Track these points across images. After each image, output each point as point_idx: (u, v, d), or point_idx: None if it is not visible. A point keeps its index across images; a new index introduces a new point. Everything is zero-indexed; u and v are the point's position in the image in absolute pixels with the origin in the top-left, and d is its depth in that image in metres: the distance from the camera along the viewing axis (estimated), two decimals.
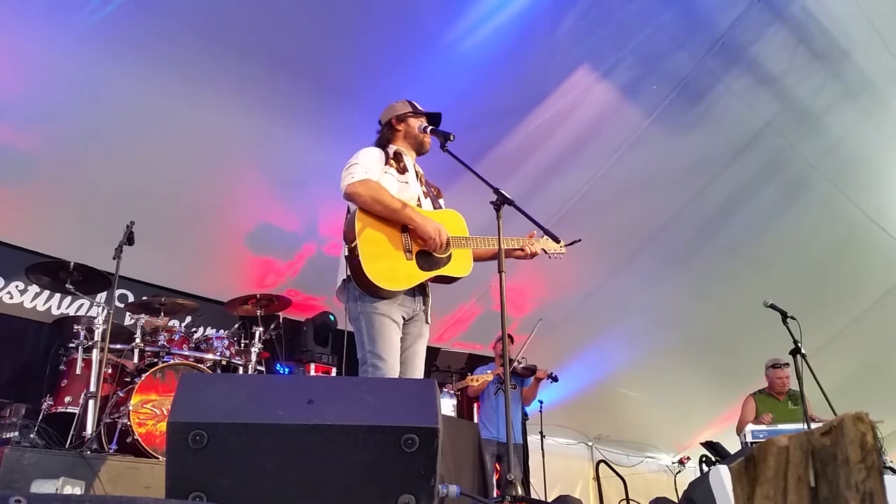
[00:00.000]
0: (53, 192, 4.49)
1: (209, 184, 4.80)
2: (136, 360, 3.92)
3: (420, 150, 2.86)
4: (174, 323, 4.26)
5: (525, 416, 6.01)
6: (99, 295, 4.14)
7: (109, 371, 3.80)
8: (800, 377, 4.00)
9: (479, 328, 6.66)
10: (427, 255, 2.62)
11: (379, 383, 1.83)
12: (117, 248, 3.58)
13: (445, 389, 6.11)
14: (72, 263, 3.78)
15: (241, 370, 4.28)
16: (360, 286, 2.52)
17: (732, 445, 4.85)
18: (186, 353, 4.02)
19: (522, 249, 2.81)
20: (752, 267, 6.56)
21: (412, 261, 2.58)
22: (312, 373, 5.45)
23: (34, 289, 4.67)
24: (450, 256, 2.67)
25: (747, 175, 5.86)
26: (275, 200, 5.17)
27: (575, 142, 5.29)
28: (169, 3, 3.84)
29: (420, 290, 2.67)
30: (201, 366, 3.96)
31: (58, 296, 4.77)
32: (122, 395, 3.67)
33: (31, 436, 3.37)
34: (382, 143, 2.81)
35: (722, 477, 2.46)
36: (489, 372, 5.50)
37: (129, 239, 3.59)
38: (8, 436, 3.47)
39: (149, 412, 3.58)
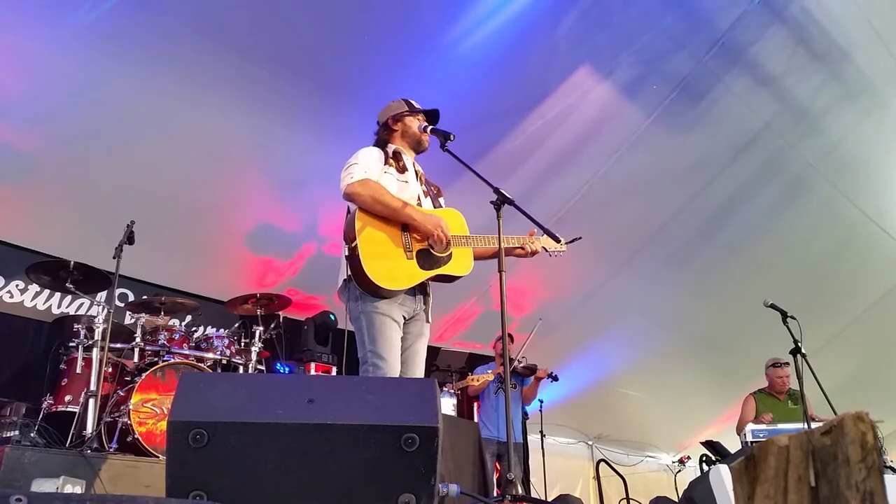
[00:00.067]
0: (53, 192, 4.50)
1: (209, 184, 4.80)
2: (136, 359, 3.93)
3: (418, 149, 2.86)
4: (174, 322, 4.26)
5: (525, 415, 6.01)
6: (99, 294, 4.14)
7: (110, 370, 3.81)
8: (800, 377, 4.00)
9: (479, 328, 6.67)
10: (427, 255, 2.62)
11: (379, 382, 1.83)
12: (117, 248, 3.58)
13: (445, 389, 6.11)
14: (72, 263, 3.78)
15: (241, 369, 4.28)
16: (361, 286, 2.52)
17: (732, 445, 4.85)
18: (187, 352, 4.02)
19: (523, 248, 2.80)
20: (752, 267, 6.56)
21: (412, 260, 2.58)
22: (313, 372, 5.45)
23: (34, 288, 4.67)
24: (450, 255, 2.67)
25: (747, 175, 5.87)
26: (275, 200, 5.18)
27: (575, 142, 5.29)
28: (169, 2, 3.84)
29: (420, 290, 2.67)
30: (201, 365, 3.96)
31: (58, 295, 4.78)
32: (122, 394, 3.67)
33: (32, 435, 3.37)
34: (381, 143, 2.81)
35: (722, 476, 2.46)
36: (489, 372, 5.50)
37: (130, 238, 3.59)
38: (8, 435, 3.47)
39: (149, 411, 3.58)
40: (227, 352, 4.18)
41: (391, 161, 2.72)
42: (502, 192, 2.49)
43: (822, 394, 3.98)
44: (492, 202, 2.51)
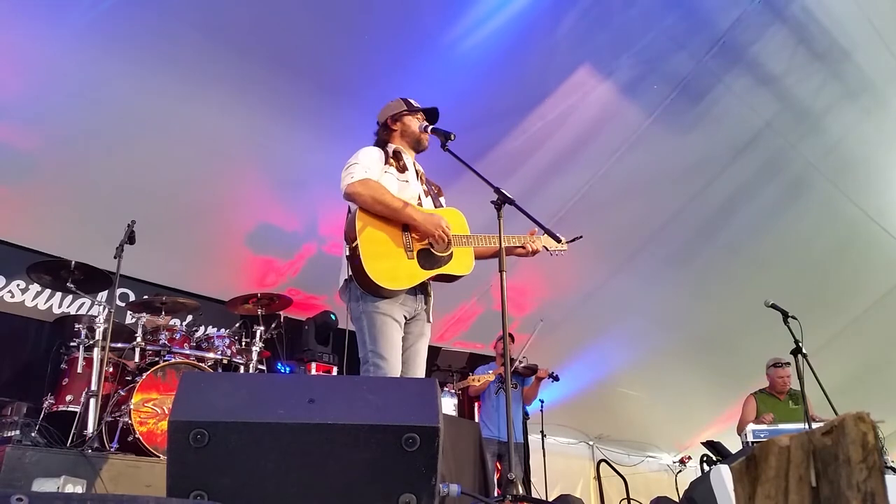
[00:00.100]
0: (54, 192, 4.50)
1: (209, 184, 4.80)
2: (137, 358, 3.93)
3: (418, 148, 2.86)
4: (175, 322, 4.26)
5: (526, 415, 6.01)
6: (100, 294, 4.14)
7: (110, 370, 3.81)
8: (801, 377, 3.99)
9: (479, 327, 6.67)
10: (428, 254, 2.62)
11: (380, 382, 1.83)
12: (118, 248, 3.58)
13: (446, 389, 6.11)
14: (73, 262, 3.78)
15: (242, 369, 4.28)
16: (362, 286, 2.52)
17: (733, 445, 4.85)
18: (187, 351, 4.02)
19: (524, 247, 2.80)
20: (752, 267, 6.56)
21: (413, 260, 2.58)
22: (313, 372, 5.45)
23: (35, 287, 4.67)
24: (451, 255, 2.67)
25: (747, 175, 5.86)
26: (275, 200, 5.18)
27: (575, 141, 5.29)
28: (169, 2, 3.84)
29: (421, 289, 2.67)
30: (202, 365, 3.96)
31: (59, 295, 4.78)
32: (123, 393, 3.67)
33: (33, 434, 3.37)
34: (381, 143, 2.81)
35: (723, 476, 2.46)
36: (490, 372, 5.50)
37: (130, 238, 3.59)
38: (9, 434, 3.47)
39: (150, 411, 3.58)
40: (228, 352, 4.18)
41: (391, 161, 2.72)
42: (503, 191, 2.49)
43: (823, 394, 3.98)
44: (492, 202, 2.51)
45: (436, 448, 1.42)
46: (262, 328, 4.46)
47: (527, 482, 5.85)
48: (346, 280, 2.60)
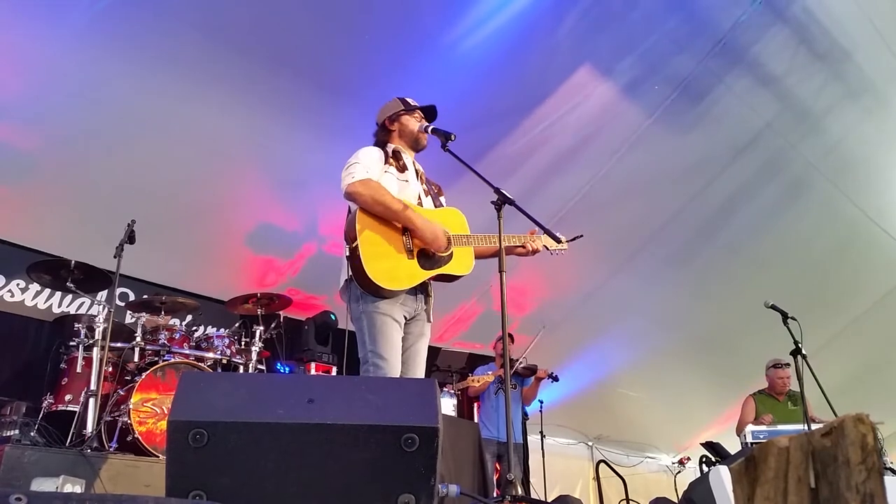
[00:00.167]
0: (54, 192, 4.50)
1: (209, 183, 4.80)
2: (136, 358, 3.93)
3: (416, 147, 2.86)
4: (175, 321, 4.26)
5: (525, 415, 6.01)
6: (100, 293, 4.14)
7: (110, 369, 3.81)
8: (800, 378, 4.00)
9: (479, 328, 6.67)
10: (428, 254, 2.62)
11: (379, 382, 1.83)
12: (118, 247, 3.58)
13: (446, 389, 6.11)
14: (73, 262, 3.78)
15: (241, 369, 4.28)
16: (362, 286, 2.52)
17: (732, 446, 4.85)
18: (187, 351, 4.02)
19: (524, 246, 2.80)
20: (752, 267, 6.56)
21: (413, 260, 2.58)
22: (313, 372, 5.45)
23: (35, 287, 4.67)
24: (451, 255, 2.67)
25: (748, 175, 5.86)
26: (275, 200, 5.18)
27: (576, 142, 5.29)
28: (169, 2, 3.84)
29: (421, 289, 2.67)
30: (202, 364, 3.96)
31: (59, 294, 4.78)
32: (122, 393, 3.67)
33: (32, 434, 3.37)
34: (380, 144, 2.81)
35: (722, 477, 2.46)
36: (490, 373, 5.50)
37: (130, 237, 3.59)
38: (8, 434, 3.47)
39: (149, 411, 3.58)
40: (228, 351, 4.18)
41: (391, 160, 2.72)
42: (503, 192, 2.49)
43: (823, 395, 3.98)
44: (492, 202, 2.51)
45: (435, 448, 1.42)
46: (261, 328, 4.46)
47: (526, 483, 5.85)
48: (346, 280, 2.60)
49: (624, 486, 6.66)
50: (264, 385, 1.55)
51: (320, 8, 4.11)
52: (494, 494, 4.69)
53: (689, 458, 7.84)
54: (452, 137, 2.63)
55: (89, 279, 3.86)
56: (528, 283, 6.25)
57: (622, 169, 5.52)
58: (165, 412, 3.56)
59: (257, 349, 4.39)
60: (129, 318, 4.70)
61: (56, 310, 4.80)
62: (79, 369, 3.77)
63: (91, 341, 3.79)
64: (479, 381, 5.41)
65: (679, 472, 7.81)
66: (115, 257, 3.56)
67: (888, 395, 7.85)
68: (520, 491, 2.15)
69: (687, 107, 5.26)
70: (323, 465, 1.41)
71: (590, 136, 5.29)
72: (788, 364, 4.83)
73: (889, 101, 5.66)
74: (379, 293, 2.52)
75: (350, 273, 2.55)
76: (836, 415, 3.16)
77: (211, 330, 5.07)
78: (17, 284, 4.66)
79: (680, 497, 3.64)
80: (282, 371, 5.22)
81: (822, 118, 5.61)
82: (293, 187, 5.04)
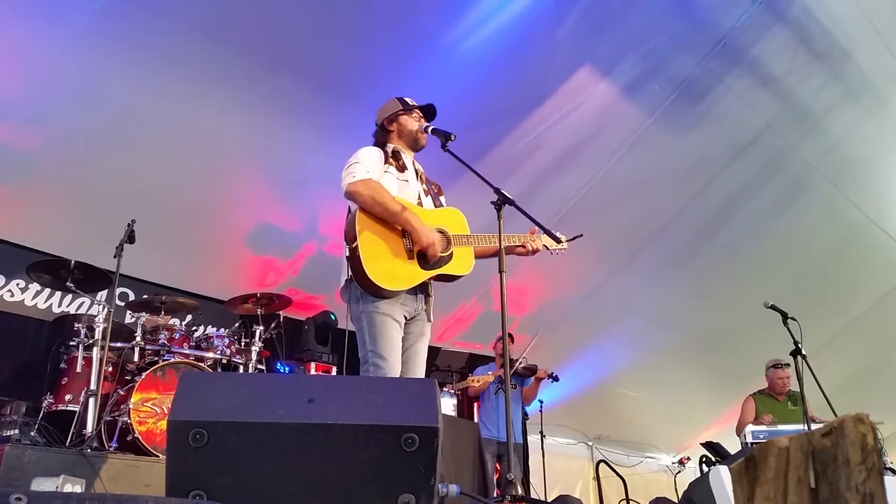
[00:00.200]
0: (54, 192, 4.50)
1: (209, 183, 4.80)
2: (136, 358, 3.93)
3: (415, 147, 2.86)
4: (175, 321, 4.26)
5: (525, 415, 6.01)
6: (100, 293, 4.14)
7: (110, 369, 3.81)
8: (800, 378, 4.00)
9: (479, 328, 6.67)
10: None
11: (379, 382, 1.83)
12: (118, 247, 3.58)
13: (446, 389, 6.11)
14: (72, 262, 3.77)
15: (241, 369, 4.28)
16: (362, 286, 2.52)
17: (732, 446, 4.85)
18: (187, 351, 4.02)
19: (524, 246, 2.80)
20: (752, 267, 6.56)
21: (413, 260, 2.58)
22: (313, 372, 5.45)
23: (35, 287, 4.67)
24: (451, 255, 2.67)
25: (747, 175, 5.86)
26: (275, 200, 5.18)
27: (576, 142, 5.29)
28: (169, 2, 3.84)
29: (422, 289, 2.67)
30: (202, 364, 3.96)
31: (59, 294, 4.78)
32: (122, 393, 3.67)
33: (32, 433, 3.37)
34: (379, 144, 2.81)
35: (722, 477, 2.46)
36: (490, 373, 5.50)
37: (130, 237, 3.59)
38: (8, 433, 3.47)
39: (149, 410, 3.58)
40: (228, 351, 4.18)
41: (391, 160, 2.73)
42: (503, 192, 2.49)
43: (823, 395, 3.98)
44: (492, 202, 2.51)
45: (435, 448, 1.42)
46: (261, 328, 4.46)
47: (526, 483, 5.85)
48: (346, 280, 2.60)
49: (624, 485, 6.66)
50: (264, 385, 1.55)
51: (320, 8, 4.11)
52: (494, 494, 4.69)
53: (689, 458, 7.83)
54: (452, 137, 2.63)
55: (89, 279, 3.86)
56: (528, 283, 6.25)
57: (622, 169, 5.52)
58: (165, 412, 3.56)
59: (257, 349, 4.39)
60: (128, 318, 4.71)
61: (56, 309, 4.81)
62: (79, 369, 3.77)
63: (91, 341, 3.79)
64: (479, 381, 5.41)
65: (679, 472, 7.81)
66: (115, 257, 3.56)
67: (888, 395, 7.85)
68: (520, 491, 2.15)
69: (687, 107, 5.26)
70: (323, 465, 1.41)
71: (590, 136, 5.29)
72: (788, 364, 4.83)
73: (889, 101, 5.66)
74: (379, 293, 2.52)
75: (350, 273, 2.55)
76: (836, 415, 3.16)
77: (211, 330, 5.07)
78: (17, 284, 4.66)
79: (680, 497, 3.65)
80: (282, 371, 5.22)
81: (822, 118, 5.61)
82: (293, 187, 5.04)
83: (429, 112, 2.86)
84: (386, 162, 2.70)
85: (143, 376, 3.64)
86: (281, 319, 4.71)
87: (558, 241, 2.74)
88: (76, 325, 3.90)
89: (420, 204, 2.73)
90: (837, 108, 5.56)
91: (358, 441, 1.41)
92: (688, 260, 6.45)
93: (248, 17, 4.02)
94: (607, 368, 7.28)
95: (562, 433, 7.52)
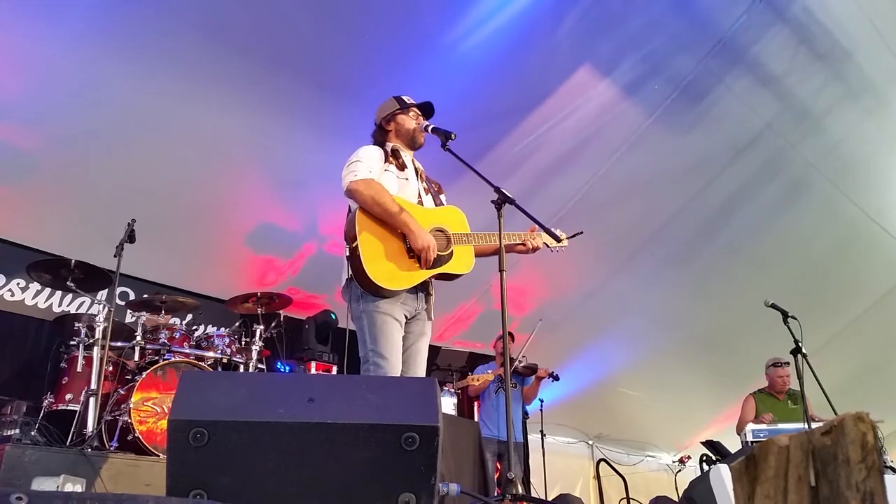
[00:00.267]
0: (54, 191, 4.50)
1: (209, 183, 4.81)
2: (136, 357, 3.93)
3: (414, 146, 2.85)
4: (175, 321, 4.26)
5: (526, 414, 6.01)
6: (100, 293, 4.14)
7: (110, 369, 3.81)
8: (800, 377, 3.99)
9: (479, 327, 6.67)
10: None
11: (380, 381, 1.83)
12: (118, 246, 3.58)
13: (446, 388, 6.11)
14: (73, 261, 3.77)
15: (241, 368, 4.28)
16: (362, 286, 2.52)
17: (733, 445, 4.85)
18: (187, 350, 4.02)
19: (524, 244, 2.80)
20: (752, 267, 6.56)
21: (413, 259, 2.58)
22: (313, 371, 5.45)
23: (35, 286, 4.67)
24: (451, 254, 2.67)
25: (748, 175, 5.86)
26: (275, 200, 5.18)
27: (575, 141, 5.29)
28: (169, 2, 3.84)
29: (422, 288, 2.67)
30: (202, 364, 3.96)
31: (59, 293, 4.78)
32: (122, 392, 3.67)
33: (32, 433, 3.37)
34: (378, 143, 2.82)
35: (722, 476, 2.46)
36: (490, 372, 5.50)
37: (131, 237, 3.59)
38: (9, 433, 3.47)
39: (150, 410, 3.58)
40: (228, 350, 4.18)
41: (391, 159, 2.73)
42: (503, 191, 2.49)
43: (823, 394, 3.98)
44: (493, 201, 2.51)
45: (435, 447, 1.42)
46: (261, 327, 4.46)
47: (526, 482, 5.86)
48: (347, 280, 2.60)
49: (624, 484, 6.66)
50: (264, 384, 1.55)
51: (320, 8, 4.11)
52: (495, 493, 4.69)
53: (689, 457, 7.83)
54: (452, 136, 2.63)
55: (89, 278, 3.86)
56: (528, 282, 6.25)
57: (622, 169, 5.52)
58: (166, 411, 3.56)
59: (257, 348, 4.39)
60: (129, 318, 4.71)
61: (56, 309, 4.81)
62: (79, 368, 3.77)
63: (91, 340, 3.80)
64: (479, 380, 5.41)
65: (679, 470, 7.81)
66: (115, 256, 3.56)
67: (888, 394, 7.85)
68: (520, 490, 2.16)
69: (687, 107, 5.26)
70: (323, 464, 1.41)
71: (590, 136, 5.29)
72: (788, 363, 4.83)
73: (889, 101, 5.66)
74: (379, 293, 2.52)
75: (350, 273, 2.55)
76: (836, 413, 3.16)
77: (211, 329, 5.07)
78: (18, 284, 4.66)
79: (680, 496, 3.65)
80: (282, 370, 5.22)
81: (822, 118, 5.61)
82: (293, 187, 5.04)
83: (427, 110, 2.86)
84: (386, 160, 2.71)
85: (143, 376, 3.64)
86: (281, 319, 4.71)
87: (558, 239, 2.75)
88: (76, 324, 3.90)
89: (420, 202, 2.74)
90: (837, 107, 5.56)
91: (358, 440, 1.41)
92: (688, 260, 6.45)
93: (248, 17, 4.02)
94: (607, 368, 7.28)
95: (562, 432, 7.53)
